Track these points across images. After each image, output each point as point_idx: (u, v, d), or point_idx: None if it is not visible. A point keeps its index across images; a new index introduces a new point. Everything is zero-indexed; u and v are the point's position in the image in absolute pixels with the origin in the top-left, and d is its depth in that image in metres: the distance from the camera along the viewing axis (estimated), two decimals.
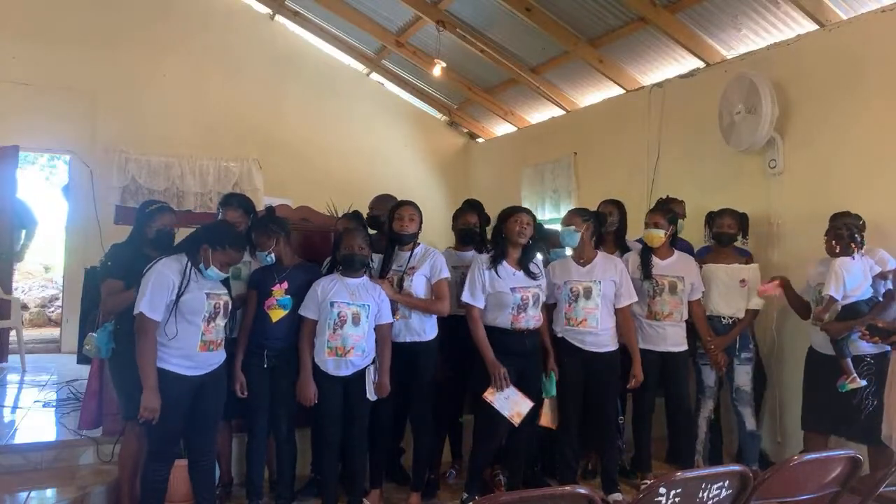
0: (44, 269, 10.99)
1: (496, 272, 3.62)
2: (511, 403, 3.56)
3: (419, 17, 6.59)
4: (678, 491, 1.93)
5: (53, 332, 8.23)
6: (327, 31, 8.13)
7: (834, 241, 3.64)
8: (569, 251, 4.24)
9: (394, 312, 3.63)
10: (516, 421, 3.57)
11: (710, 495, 2.02)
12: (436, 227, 4.38)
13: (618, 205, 4.46)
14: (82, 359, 5.04)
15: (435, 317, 3.76)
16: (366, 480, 3.72)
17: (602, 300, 3.80)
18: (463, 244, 4.17)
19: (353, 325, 3.43)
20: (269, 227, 3.55)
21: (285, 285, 3.51)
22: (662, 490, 1.91)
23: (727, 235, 4.27)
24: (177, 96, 7.53)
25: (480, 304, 3.65)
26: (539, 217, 7.27)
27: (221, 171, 7.66)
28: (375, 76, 8.73)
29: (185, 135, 7.49)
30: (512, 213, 3.69)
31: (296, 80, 8.21)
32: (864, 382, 3.54)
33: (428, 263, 3.73)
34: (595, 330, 3.79)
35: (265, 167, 7.78)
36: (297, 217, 4.47)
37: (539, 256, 4.49)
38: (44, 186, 11.36)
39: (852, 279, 3.56)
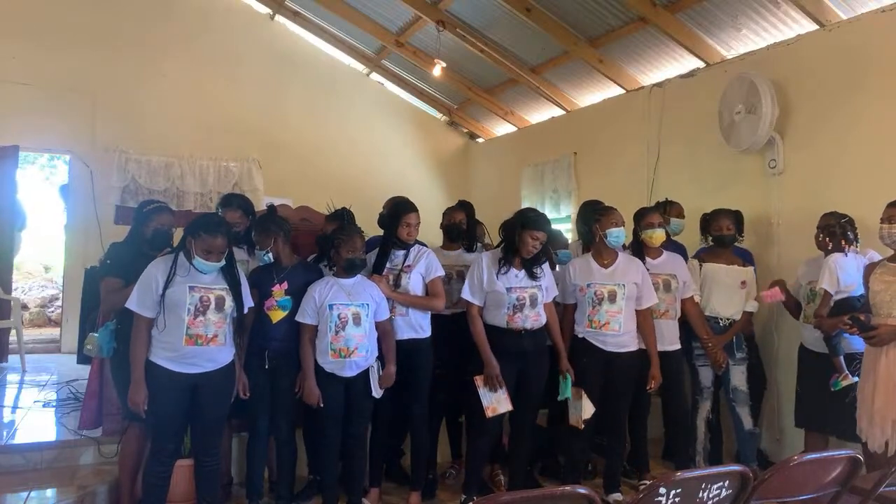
0: (44, 269, 10.99)
1: (496, 272, 3.62)
2: (494, 397, 3.58)
3: (419, 17, 6.59)
4: (678, 491, 1.93)
5: (53, 332, 8.23)
6: (327, 32, 8.12)
7: (826, 238, 3.66)
8: (571, 250, 4.25)
9: (390, 310, 3.64)
10: (489, 413, 3.58)
11: (710, 495, 2.01)
12: (435, 228, 4.37)
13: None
14: (82, 359, 5.03)
15: (429, 315, 3.78)
16: (365, 480, 3.72)
17: (626, 303, 3.79)
18: (450, 241, 4.17)
19: (354, 325, 3.43)
20: (267, 226, 3.55)
21: (285, 285, 3.51)
22: (662, 490, 1.91)
23: (728, 237, 4.28)
24: (177, 96, 7.53)
25: (478, 302, 3.65)
26: None
27: (221, 171, 7.66)
28: (375, 76, 8.73)
29: (185, 135, 7.48)
30: (533, 227, 3.57)
31: (296, 80, 8.21)
32: (855, 379, 3.53)
33: (423, 262, 3.76)
34: (617, 332, 3.79)
35: (265, 167, 7.78)
36: (297, 217, 4.47)
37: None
38: (44, 186, 11.36)
39: (846, 275, 3.57)
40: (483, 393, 3.59)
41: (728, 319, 4.21)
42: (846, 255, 3.61)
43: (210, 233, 3.09)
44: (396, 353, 3.63)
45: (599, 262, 3.86)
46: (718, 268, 4.24)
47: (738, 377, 4.19)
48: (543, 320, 3.69)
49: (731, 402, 4.21)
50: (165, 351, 3.09)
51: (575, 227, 4.94)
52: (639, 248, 4.11)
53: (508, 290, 3.59)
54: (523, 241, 3.58)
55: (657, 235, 4.07)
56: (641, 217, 4.15)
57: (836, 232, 3.62)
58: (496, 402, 3.59)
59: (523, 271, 3.64)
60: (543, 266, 3.71)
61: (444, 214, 4.23)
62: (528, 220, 3.62)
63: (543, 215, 3.74)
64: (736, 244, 4.37)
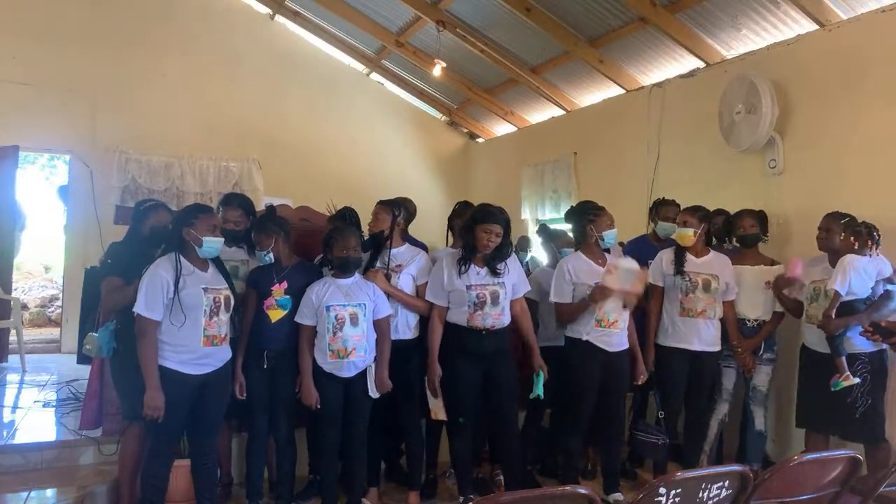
0: (44, 269, 11.00)
1: (457, 271, 3.59)
2: (436, 402, 3.64)
3: (419, 17, 6.59)
4: (678, 491, 1.93)
5: (53, 332, 8.23)
6: (327, 32, 8.13)
7: (853, 238, 3.57)
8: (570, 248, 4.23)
9: None
10: (433, 416, 3.67)
11: (710, 495, 2.02)
12: (435, 228, 4.36)
13: None
14: (82, 359, 5.03)
15: (418, 316, 3.77)
16: (364, 480, 3.72)
17: None
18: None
19: (351, 325, 3.42)
20: (268, 227, 3.55)
21: (284, 285, 3.50)
22: (662, 490, 1.91)
23: (751, 236, 4.26)
24: (177, 96, 7.54)
25: (442, 303, 3.64)
26: (539, 217, 7.34)
27: (221, 171, 7.67)
28: (375, 76, 8.74)
29: (185, 135, 7.49)
30: (483, 221, 3.57)
31: (296, 80, 8.22)
32: (857, 380, 3.52)
33: (415, 264, 3.75)
34: (621, 330, 3.82)
35: (265, 167, 7.79)
36: (297, 217, 4.47)
37: (528, 255, 4.49)
38: (44, 186, 11.36)
39: (859, 277, 3.53)
40: (429, 395, 3.64)
41: (756, 321, 4.18)
42: (869, 257, 3.55)
43: (206, 211, 3.16)
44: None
45: (595, 263, 3.85)
46: (742, 269, 4.20)
47: (761, 378, 4.17)
48: (506, 320, 3.64)
49: (749, 400, 4.21)
50: (178, 354, 3.07)
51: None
52: (681, 247, 4.08)
53: (468, 287, 3.57)
54: (477, 236, 3.56)
55: (683, 235, 4.02)
56: (680, 214, 4.17)
57: (861, 232, 3.55)
58: (437, 408, 3.64)
59: (485, 269, 3.61)
60: (509, 263, 3.67)
61: (457, 215, 4.12)
62: (478, 215, 3.62)
63: (497, 209, 3.65)
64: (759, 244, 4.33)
